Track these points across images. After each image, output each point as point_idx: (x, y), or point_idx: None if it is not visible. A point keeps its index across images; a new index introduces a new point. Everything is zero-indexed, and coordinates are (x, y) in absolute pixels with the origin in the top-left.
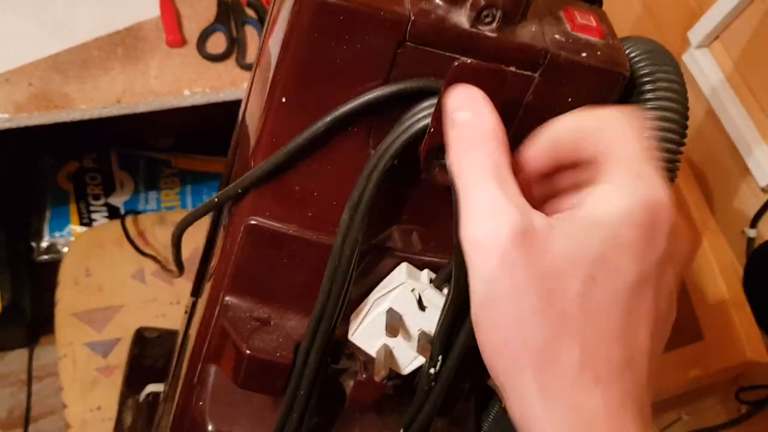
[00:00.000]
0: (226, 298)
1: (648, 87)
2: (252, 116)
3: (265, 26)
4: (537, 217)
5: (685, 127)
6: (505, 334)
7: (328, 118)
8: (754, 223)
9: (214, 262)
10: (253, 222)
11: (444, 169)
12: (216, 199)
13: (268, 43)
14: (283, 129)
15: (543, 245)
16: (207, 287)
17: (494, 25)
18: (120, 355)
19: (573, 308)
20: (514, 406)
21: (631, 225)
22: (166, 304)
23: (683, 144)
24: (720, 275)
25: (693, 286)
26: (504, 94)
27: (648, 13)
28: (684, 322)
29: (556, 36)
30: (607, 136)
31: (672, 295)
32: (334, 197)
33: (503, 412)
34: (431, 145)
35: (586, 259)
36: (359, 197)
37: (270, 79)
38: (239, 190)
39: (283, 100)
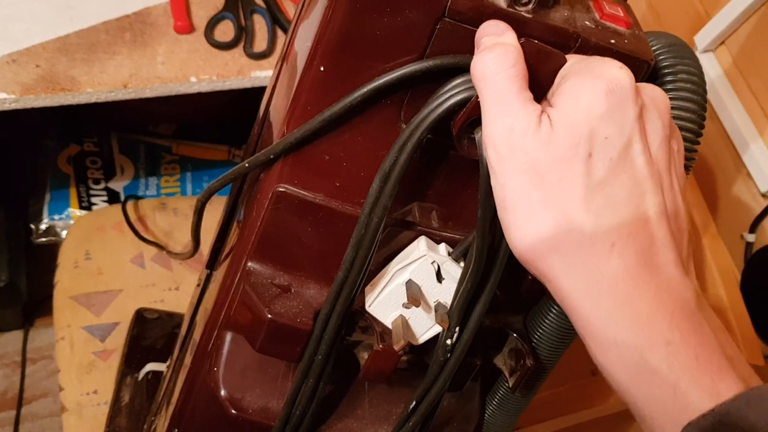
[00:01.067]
0: (249, 264)
1: (669, 78)
2: (278, 110)
3: (293, 23)
4: (543, 115)
5: (703, 117)
6: (524, 230)
7: (366, 89)
8: (753, 228)
9: (233, 235)
10: (281, 189)
11: (473, 142)
12: (246, 164)
13: (296, 37)
14: (319, 98)
15: (547, 138)
16: (226, 257)
17: (530, 6)
18: (118, 340)
19: (579, 189)
20: (552, 291)
21: (601, 97)
22: (164, 290)
23: (701, 134)
24: (719, 278)
25: None
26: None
27: (655, 16)
28: None
29: (587, 23)
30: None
31: (664, 136)
32: (362, 168)
33: (509, 394)
34: (467, 118)
35: (581, 141)
36: (391, 167)
37: (307, 51)
38: (271, 156)
39: (321, 69)
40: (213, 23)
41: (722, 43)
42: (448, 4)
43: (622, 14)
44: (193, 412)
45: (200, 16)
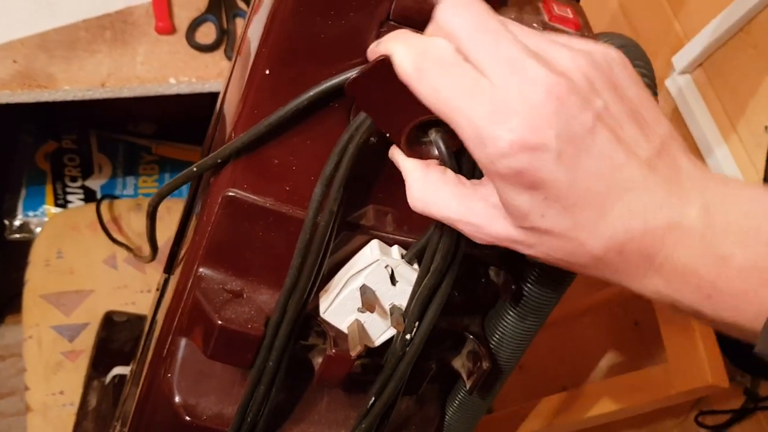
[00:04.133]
0: (200, 270)
1: None
2: (231, 104)
3: (248, 14)
4: None
5: None
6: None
7: (311, 92)
8: None
9: (188, 237)
10: (230, 194)
11: (428, 145)
12: (194, 169)
13: (249, 28)
14: (265, 102)
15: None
16: (181, 261)
17: None
18: (87, 340)
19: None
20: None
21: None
22: (136, 292)
23: None
24: None
25: (660, 309)
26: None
27: (635, 36)
28: (650, 344)
29: (534, 25)
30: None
31: (621, 99)
32: (312, 172)
33: (467, 397)
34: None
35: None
36: (333, 171)
37: (254, 52)
38: (218, 161)
39: (267, 72)
40: (195, 25)
41: (699, 65)
42: (392, 7)
43: (571, 16)
44: (150, 419)
45: (182, 17)
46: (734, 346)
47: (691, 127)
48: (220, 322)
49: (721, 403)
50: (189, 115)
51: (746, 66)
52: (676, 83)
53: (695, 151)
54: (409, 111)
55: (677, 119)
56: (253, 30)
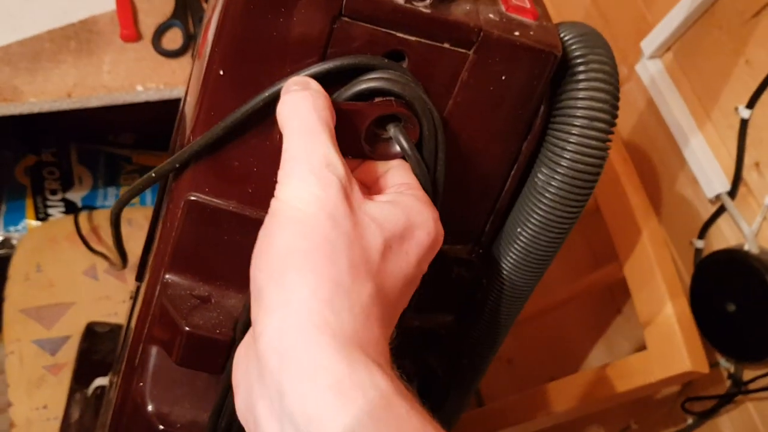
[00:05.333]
0: (167, 276)
1: (580, 69)
2: (190, 107)
3: (206, 15)
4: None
5: (616, 107)
6: None
7: (266, 94)
8: (702, 234)
9: (155, 244)
10: (192, 198)
11: (387, 141)
12: (153, 174)
13: (208, 30)
14: (221, 103)
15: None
16: (149, 268)
17: (428, 1)
18: (69, 353)
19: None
20: None
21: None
22: (118, 302)
23: (614, 124)
24: (665, 285)
25: (639, 297)
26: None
27: (604, 22)
28: (628, 332)
29: (490, 15)
30: None
31: None
32: (273, 173)
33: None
34: (377, 114)
35: (390, 230)
36: None
37: (208, 53)
38: (176, 165)
39: (221, 73)
40: (161, 31)
41: (668, 49)
42: (344, 2)
43: (528, 5)
44: (126, 429)
45: (148, 23)
46: (718, 331)
47: (663, 112)
48: (187, 328)
49: (709, 389)
50: (168, 123)
51: (713, 47)
52: (646, 68)
53: (669, 136)
54: (361, 114)
55: (649, 104)
56: (210, 32)
